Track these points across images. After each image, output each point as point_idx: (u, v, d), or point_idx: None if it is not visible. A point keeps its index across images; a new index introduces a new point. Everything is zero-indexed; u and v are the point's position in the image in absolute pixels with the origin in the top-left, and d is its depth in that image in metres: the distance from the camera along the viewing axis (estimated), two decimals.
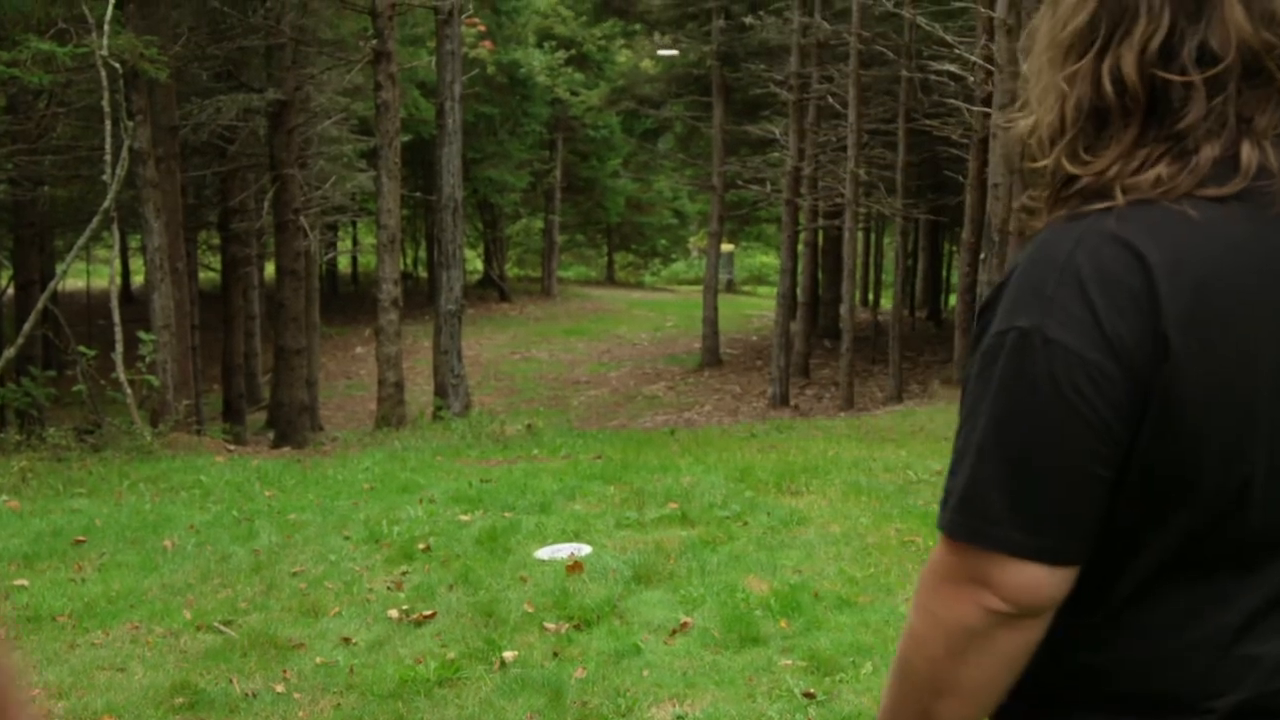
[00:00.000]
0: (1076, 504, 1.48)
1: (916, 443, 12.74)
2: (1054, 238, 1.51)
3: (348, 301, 47.54)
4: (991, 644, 1.55)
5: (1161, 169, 1.47)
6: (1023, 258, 1.55)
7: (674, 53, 35.72)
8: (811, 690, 5.03)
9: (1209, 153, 1.47)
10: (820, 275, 37.36)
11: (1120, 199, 1.47)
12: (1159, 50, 1.48)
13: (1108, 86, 1.51)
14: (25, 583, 7.06)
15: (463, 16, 22.86)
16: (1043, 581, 1.50)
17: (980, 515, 1.51)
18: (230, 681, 5.41)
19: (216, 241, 32.87)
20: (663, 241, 60.12)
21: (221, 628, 6.18)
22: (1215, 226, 1.45)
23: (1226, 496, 1.49)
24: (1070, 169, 1.54)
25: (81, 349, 14.68)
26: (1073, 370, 1.44)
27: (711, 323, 34.38)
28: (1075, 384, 1.44)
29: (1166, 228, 1.46)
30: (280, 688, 5.33)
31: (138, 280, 44.92)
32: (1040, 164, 1.59)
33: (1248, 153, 1.46)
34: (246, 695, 5.25)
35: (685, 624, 5.92)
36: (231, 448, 15.96)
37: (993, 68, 22.04)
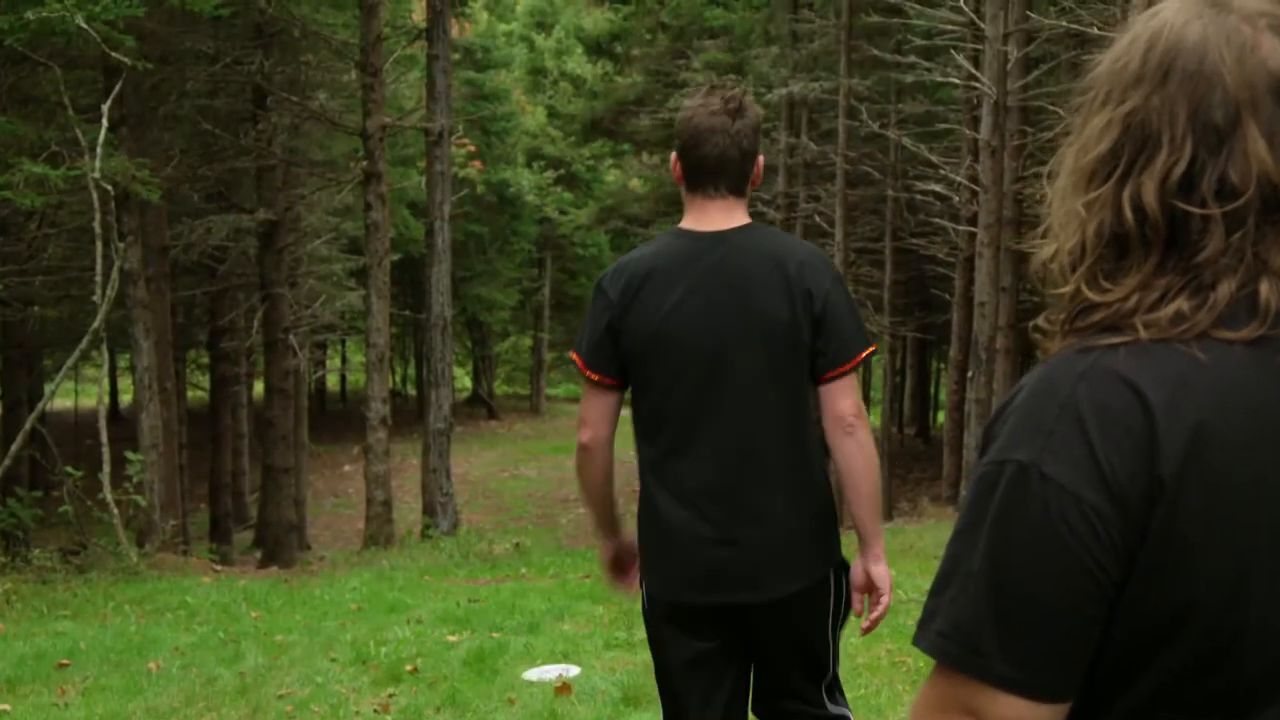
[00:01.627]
0: (1067, 642, 1.47)
1: (906, 561, 12.70)
2: (1059, 369, 1.52)
3: (336, 419, 47.48)
4: None
5: (1182, 303, 1.47)
6: (1029, 381, 1.55)
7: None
8: None
9: (1225, 289, 1.47)
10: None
11: (1142, 333, 1.47)
12: (1180, 181, 1.49)
13: (1128, 214, 1.51)
14: (8, 707, 6.98)
15: (452, 138, 23.09)
16: (1030, 717, 1.48)
17: (969, 646, 1.50)
18: None
19: (205, 360, 32.93)
20: None
21: None
22: (1222, 370, 1.45)
23: (1220, 639, 1.47)
24: (1089, 295, 1.54)
25: (68, 469, 14.64)
26: (1067, 509, 1.44)
27: None
28: (1070, 523, 1.44)
29: (1172, 368, 1.46)
30: None
31: (126, 399, 44.91)
32: (1061, 290, 1.60)
33: (1266, 292, 1.47)
34: None
35: None
36: (218, 568, 15.87)
37: (978, 188, 22.26)
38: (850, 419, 3.61)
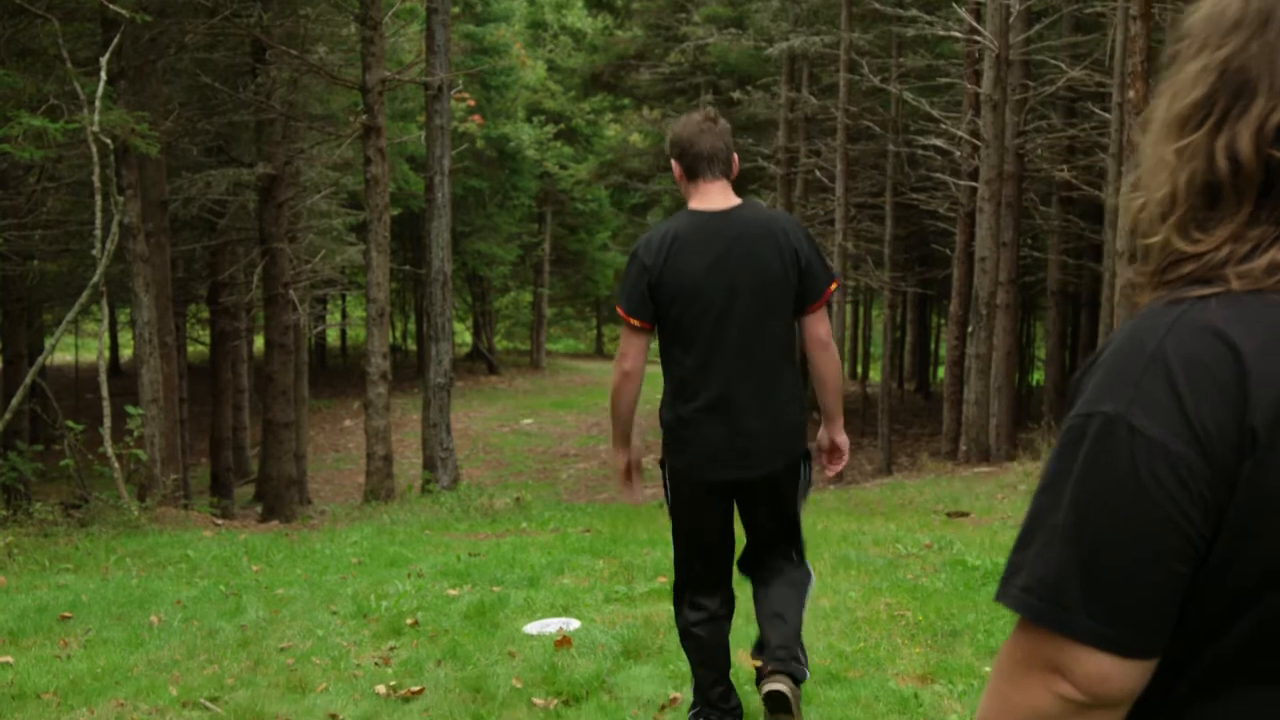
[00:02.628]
0: (1154, 598, 1.45)
1: (906, 516, 12.73)
2: (1149, 322, 1.49)
3: (336, 374, 47.52)
4: None
5: (1276, 254, 1.45)
6: (1117, 336, 1.53)
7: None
8: None
9: None
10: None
11: (1234, 284, 1.44)
12: (1276, 129, 1.46)
13: (1221, 162, 1.48)
14: (10, 659, 7.01)
15: (452, 92, 23.00)
16: (1118, 673, 1.47)
17: (1055, 601, 1.48)
18: None
19: (205, 315, 32.90)
20: None
21: (208, 704, 6.13)
22: None
23: None
24: (1180, 245, 1.51)
25: (69, 423, 14.66)
26: (1156, 462, 1.42)
27: None
28: (1158, 476, 1.42)
29: (1266, 319, 1.43)
30: None
31: (126, 354, 44.98)
32: (1151, 240, 1.58)
33: None
34: None
35: (674, 699, 5.89)
36: (219, 522, 15.91)
37: (979, 142, 22.20)
38: (826, 339, 5.15)
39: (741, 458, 4.96)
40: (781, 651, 5.03)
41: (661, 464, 5.17)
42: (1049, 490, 1.52)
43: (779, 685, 4.90)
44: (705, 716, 5.25)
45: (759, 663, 5.11)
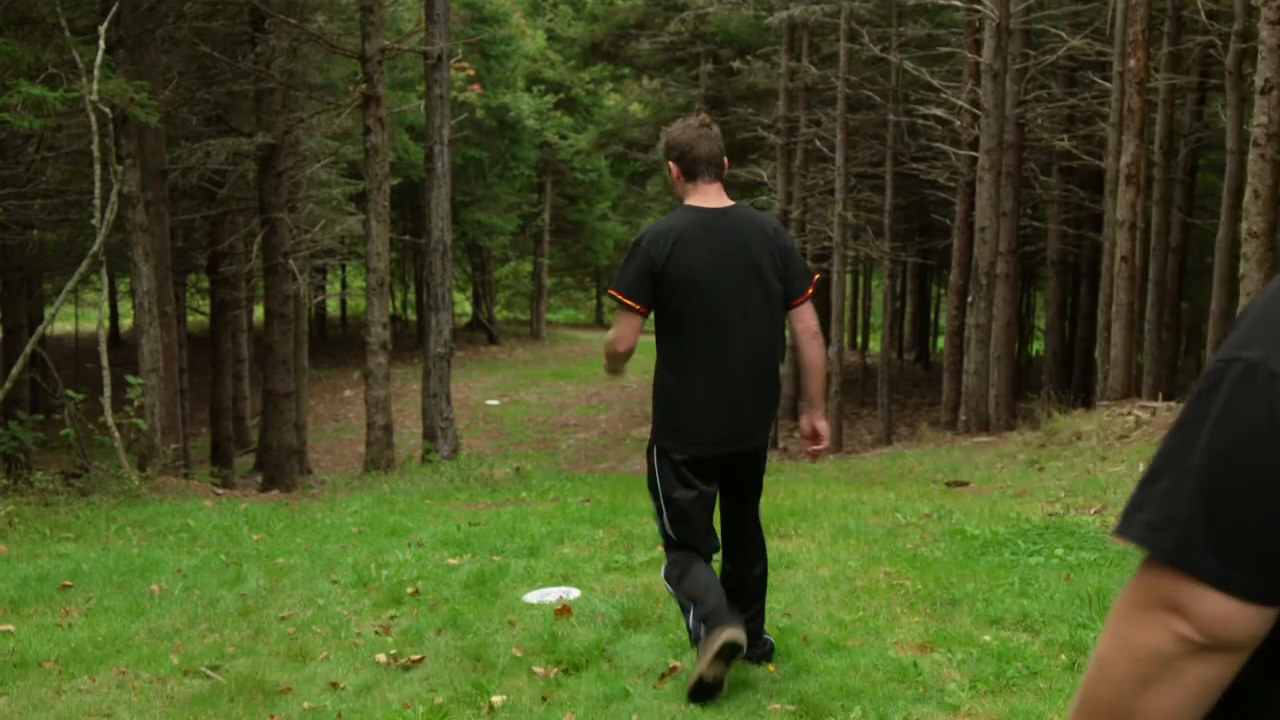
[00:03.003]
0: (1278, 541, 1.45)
1: (905, 485, 12.75)
2: None
3: (336, 344, 47.53)
4: (1180, 674, 1.52)
5: None
6: (1269, 287, 1.54)
7: None
8: None
9: None
10: None
11: None
12: None
13: None
14: (11, 628, 7.03)
15: (451, 61, 22.94)
16: (1238, 616, 1.47)
17: (1181, 540, 1.49)
18: None
19: (205, 285, 32.90)
20: None
21: (209, 673, 6.15)
22: None
23: None
24: None
25: (69, 393, 14.67)
26: None
27: None
28: None
29: None
30: None
31: (126, 323, 44.96)
32: None
33: None
34: None
35: (674, 668, 5.90)
36: (219, 491, 15.93)
37: (979, 111, 22.15)
38: (815, 329, 5.76)
39: (741, 437, 5.54)
40: (755, 624, 5.75)
41: (651, 448, 5.68)
42: (1184, 430, 1.52)
43: (738, 634, 5.24)
44: (716, 619, 5.32)
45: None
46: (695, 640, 5.45)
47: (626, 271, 5.46)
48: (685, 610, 5.57)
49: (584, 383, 38.22)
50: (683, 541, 5.61)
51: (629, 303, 5.43)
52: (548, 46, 47.18)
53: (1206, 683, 1.52)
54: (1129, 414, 14.82)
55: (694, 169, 5.56)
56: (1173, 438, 1.54)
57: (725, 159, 5.68)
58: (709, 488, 5.60)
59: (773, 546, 8.52)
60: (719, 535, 5.79)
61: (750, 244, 5.48)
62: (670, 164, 5.66)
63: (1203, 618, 1.48)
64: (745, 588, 5.80)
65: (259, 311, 28.75)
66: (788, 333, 5.86)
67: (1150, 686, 1.53)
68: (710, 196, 5.56)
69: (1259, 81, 14.12)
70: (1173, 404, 15.18)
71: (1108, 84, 20.88)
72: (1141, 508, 1.55)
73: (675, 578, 5.62)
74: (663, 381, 5.55)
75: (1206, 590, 1.47)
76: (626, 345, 5.55)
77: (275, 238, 22.35)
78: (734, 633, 5.20)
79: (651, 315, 5.58)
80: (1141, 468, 11.64)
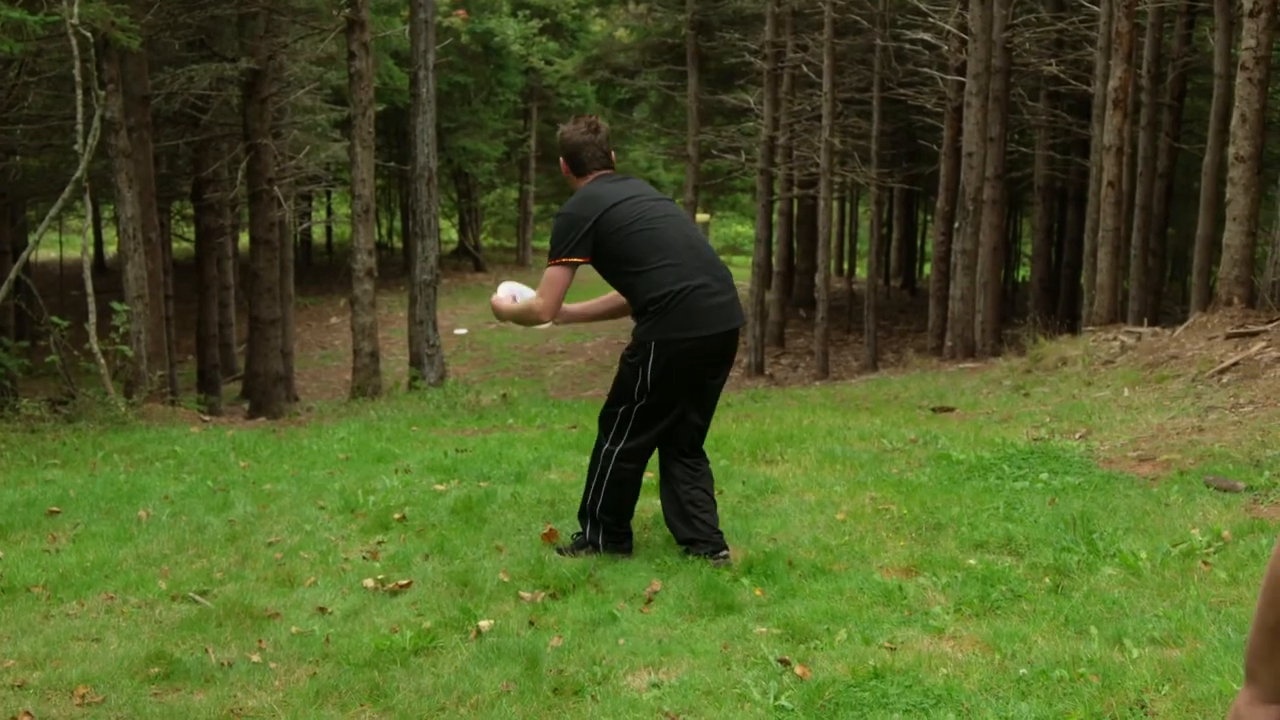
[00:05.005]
0: None
1: (891, 411, 12.77)
2: None
3: (322, 272, 47.43)
4: None
5: None
6: None
7: None
8: (786, 657, 5.05)
9: None
10: (795, 245, 37.40)
11: None
12: None
13: None
14: (0, 553, 7.05)
15: None
16: None
17: None
18: (206, 651, 5.40)
19: (190, 211, 32.77)
20: None
21: (197, 598, 6.17)
22: None
23: None
24: None
25: (54, 320, 14.64)
26: None
27: None
28: None
29: None
30: (256, 657, 5.33)
31: (111, 250, 44.80)
32: None
33: None
34: (222, 665, 5.24)
35: (660, 591, 5.94)
36: (206, 418, 15.94)
37: (967, 36, 22.04)
38: None
39: (730, 316, 6.35)
40: (718, 536, 6.52)
41: (641, 358, 6.30)
42: None
43: (729, 558, 6.42)
44: (618, 536, 6.60)
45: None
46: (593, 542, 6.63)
47: (564, 238, 6.31)
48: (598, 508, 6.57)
49: None
50: (643, 444, 6.46)
51: (570, 260, 6.30)
52: None
53: None
54: (1114, 339, 14.85)
55: (581, 166, 6.52)
56: None
57: (612, 153, 6.62)
58: (703, 377, 6.47)
59: (758, 472, 8.57)
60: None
61: (646, 185, 6.63)
62: (561, 159, 6.61)
63: None
64: (708, 514, 6.57)
65: (244, 238, 28.66)
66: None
67: None
68: (600, 175, 6.55)
69: (1247, 4, 14.05)
70: (1158, 329, 15.21)
71: (1096, 8, 20.77)
72: None
73: (617, 479, 6.49)
74: (647, 295, 6.27)
75: None
76: (551, 315, 6.48)
77: (260, 164, 22.24)
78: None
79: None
80: (1126, 393, 11.67)
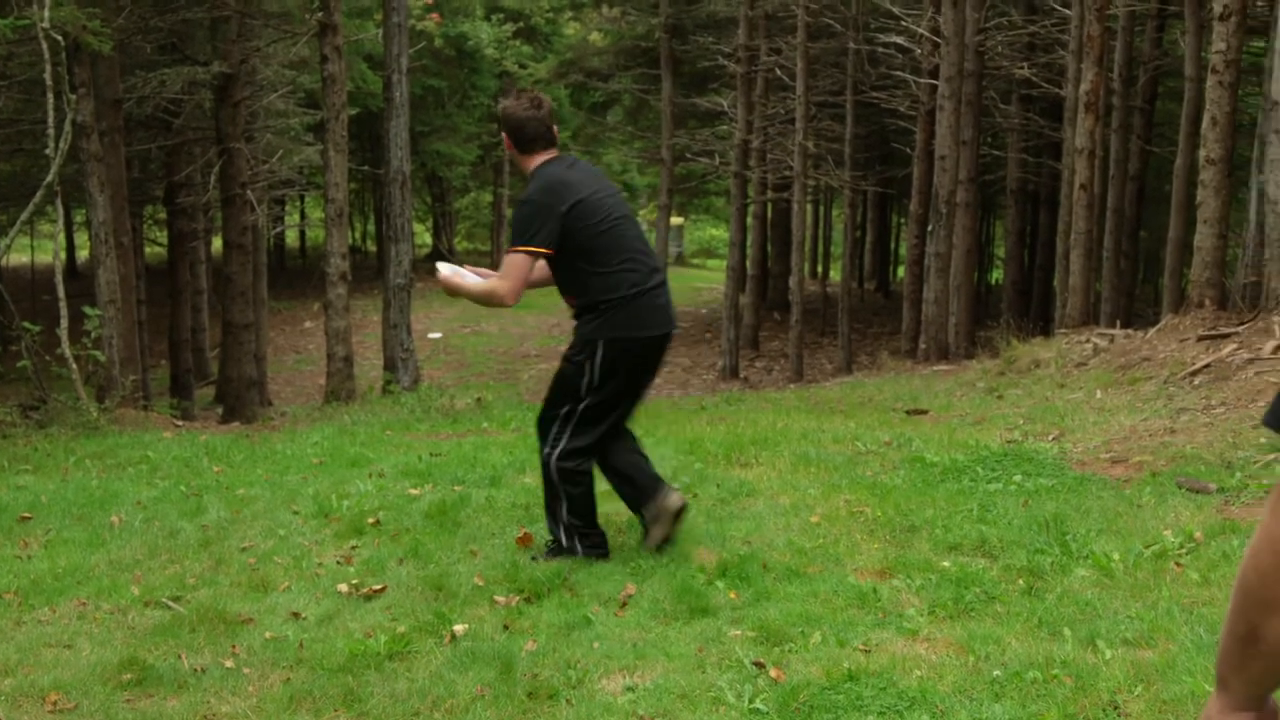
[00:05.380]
0: None
1: (865, 414, 12.80)
2: None
3: (296, 276, 47.29)
4: None
5: None
6: None
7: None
8: (761, 660, 5.05)
9: None
10: (769, 248, 37.43)
11: None
12: None
13: None
14: None
15: None
16: None
17: None
18: (179, 657, 5.38)
19: (162, 216, 32.64)
20: None
21: (170, 603, 6.15)
22: None
23: None
24: None
25: (26, 325, 14.56)
26: None
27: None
28: None
29: None
30: (229, 663, 5.31)
31: (83, 255, 44.56)
32: None
33: None
34: (195, 670, 5.23)
35: (635, 594, 5.94)
36: (179, 423, 15.88)
37: (940, 40, 22.09)
38: None
39: (671, 318, 6.57)
40: (662, 481, 6.71)
41: (587, 355, 6.38)
42: None
43: (679, 500, 6.63)
44: (592, 539, 6.62)
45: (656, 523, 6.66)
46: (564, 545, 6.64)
47: (534, 225, 6.27)
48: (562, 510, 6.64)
49: (545, 313, 38.11)
50: (591, 443, 6.54)
51: (540, 250, 6.29)
52: None
53: None
54: (1087, 341, 14.90)
55: (527, 143, 6.47)
56: None
57: (555, 128, 6.58)
58: (648, 373, 6.66)
59: (733, 475, 8.57)
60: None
61: (601, 174, 6.76)
62: (504, 135, 6.54)
63: None
64: (651, 475, 6.76)
65: (217, 243, 28.57)
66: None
67: None
68: (553, 155, 6.55)
69: (1217, 8, 14.12)
70: (1130, 331, 15.27)
71: (1067, 11, 20.84)
72: None
73: (574, 479, 6.57)
74: (600, 293, 6.37)
75: None
76: (514, 299, 6.39)
77: (232, 168, 22.17)
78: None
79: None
80: (1099, 395, 11.71)
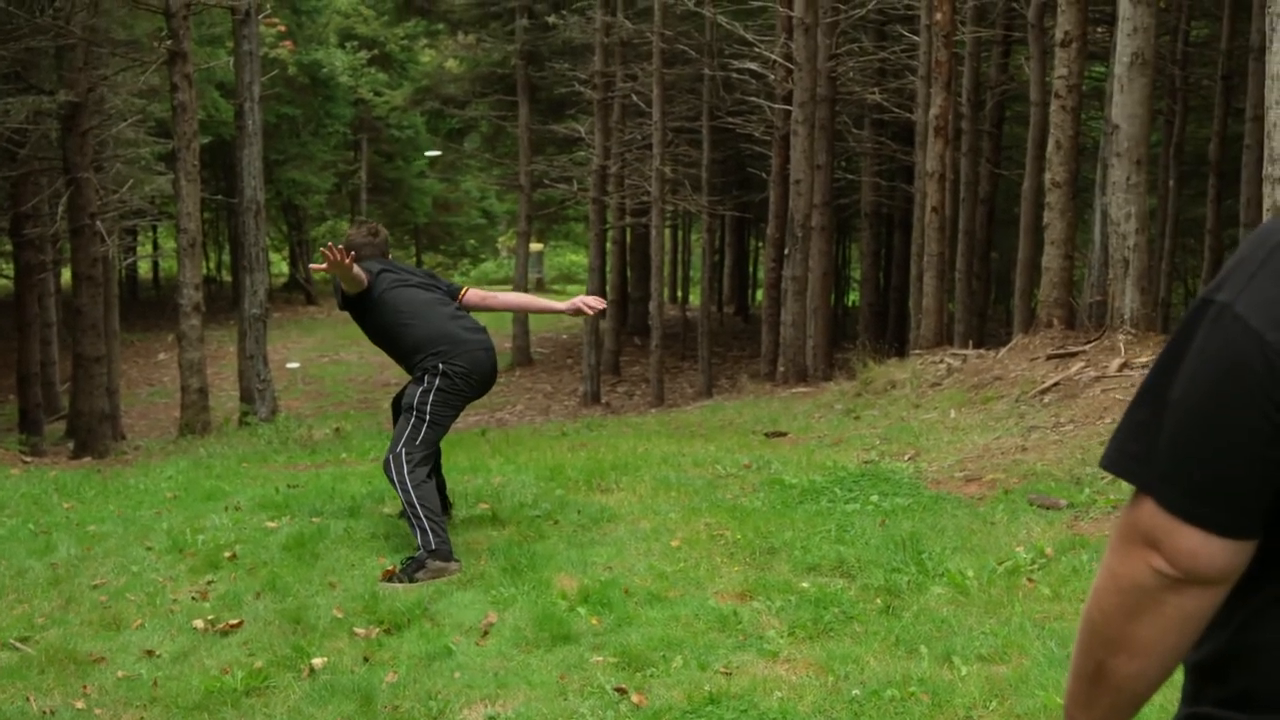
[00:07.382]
0: (1243, 479, 1.50)
1: (725, 437, 12.87)
2: (1277, 218, 1.56)
3: (149, 307, 46.51)
4: (1160, 606, 1.56)
5: None
6: (1252, 234, 1.59)
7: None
8: (623, 686, 5.05)
9: None
10: (629, 273, 37.57)
11: None
12: None
13: None
14: None
15: (261, 16, 22.52)
16: (1206, 550, 1.52)
17: (1157, 474, 1.55)
18: (27, 699, 5.26)
19: (8, 248, 31.89)
20: (471, 241, 60.00)
21: (17, 645, 6.00)
22: None
23: None
24: None
25: None
26: (1249, 349, 1.48)
27: (522, 322, 34.39)
28: (1249, 362, 1.48)
29: None
30: (80, 704, 5.20)
31: None
32: None
33: None
34: (45, 713, 5.10)
35: (496, 623, 5.91)
36: (28, 459, 15.53)
37: (792, 65, 22.35)
38: (487, 293, 8.19)
39: (492, 354, 7.53)
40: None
41: (429, 385, 7.28)
42: (1163, 365, 1.59)
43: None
44: (444, 543, 6.91)
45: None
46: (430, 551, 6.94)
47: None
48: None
49: None
50: (426, 454, 7.29)
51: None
52: (360, 2, 46.51)
53: (1186, 614, 1.57)
54: (941, 362, 15.13)
55: (362, 262, 7.50)
56: (1154, 372, 1.61)
57: (388, 248, 8.03)
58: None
59: (594, 500, 8.57)
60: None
61: (421, 273, 7.99)
62: (350, 255, 7.32)
63: (1172, 551, 1.54)
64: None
65: (67, 274, 28.00)
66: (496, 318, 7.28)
67: (1134, 617, 1.59)
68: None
69: (1059, 34, 14.46)
70: (983, 351, 15.53)
71: (916, 37, 21.22)
72: (1125, 440, 1.61)
73: (418, 488, 7.10)
74: (427, 344, 7.38)
75: (1175, 523, 1.53)
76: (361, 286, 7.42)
77: (81, 198, 21.76)
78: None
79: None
80: (953, 414, 11.89)
